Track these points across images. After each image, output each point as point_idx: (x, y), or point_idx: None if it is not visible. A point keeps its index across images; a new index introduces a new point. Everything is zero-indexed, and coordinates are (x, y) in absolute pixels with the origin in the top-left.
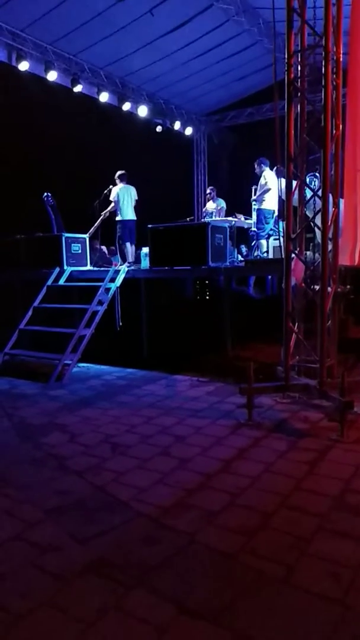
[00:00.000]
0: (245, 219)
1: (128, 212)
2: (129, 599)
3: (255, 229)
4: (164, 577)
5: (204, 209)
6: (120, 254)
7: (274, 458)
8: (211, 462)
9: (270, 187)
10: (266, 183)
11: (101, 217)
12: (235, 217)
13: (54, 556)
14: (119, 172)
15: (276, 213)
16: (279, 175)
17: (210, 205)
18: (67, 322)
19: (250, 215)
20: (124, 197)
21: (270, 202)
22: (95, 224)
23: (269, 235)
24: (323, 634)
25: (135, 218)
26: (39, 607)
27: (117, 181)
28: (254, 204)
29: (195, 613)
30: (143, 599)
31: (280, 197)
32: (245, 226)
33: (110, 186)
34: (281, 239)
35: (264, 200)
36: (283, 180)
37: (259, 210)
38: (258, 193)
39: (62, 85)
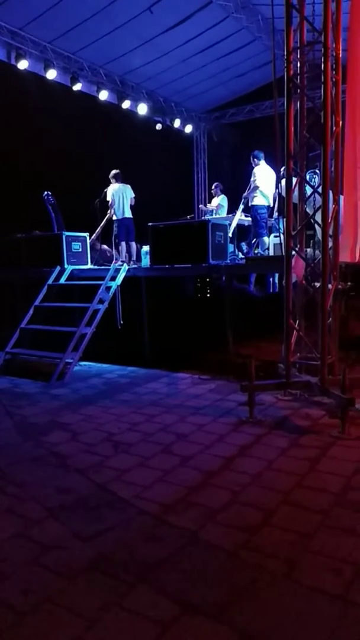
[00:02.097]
0: (246, 216)
1: (124, 211)
2: (131, 596)
3: (229, 235)
4: (166, 575)
5: (203, 206)
6: (117, 253)
7: (276, 455)
8: (213, 460)
9: (259, 184)
10: (255, 180)
11: (105, 218)
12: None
13: (56, 554)
14: (113, 172)
15: (271, 209)
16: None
17: (214, 202)
18: (68, 321)
19: (245, 210)
20: (119, 197)
21: (261, 198)
22: (100, 225)
23: (269, 231)
24: (325, 630)
25: (131, 216)
26: (42, 604)
27: (112, 181)
28: (243, 201)
29: (197, 610)
30: (145, 596)
31: (280, 194)
32: (246, 224)
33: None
34: (281, 236)
35: (255, 196)
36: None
37: (252, 207)
38: (248, 191)
39: (62, 83)
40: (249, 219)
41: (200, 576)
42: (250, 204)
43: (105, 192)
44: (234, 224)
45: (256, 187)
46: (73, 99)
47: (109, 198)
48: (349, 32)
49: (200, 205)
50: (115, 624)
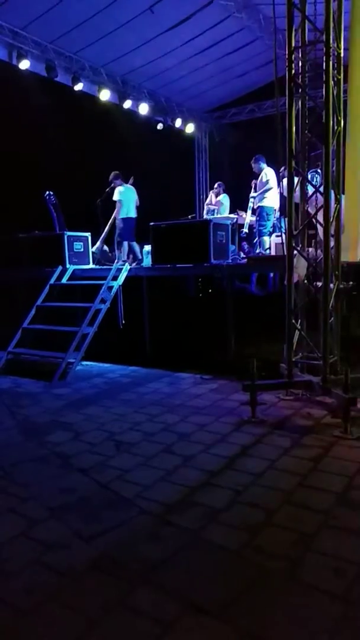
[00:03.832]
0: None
1: (129, 211)
2: (133, 596)
3: (246, 230)
4: (168, 574)
5: (206, 204)
6: (119, 252)
7: (278, 455)
8: (215, 460)
9: (272, 185)
10: (267, 181)
11: (110, 221)
12: (238, 214)
13: (59, 553)
14: (114, 173)
15: (277, 211)
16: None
17: (214, 201)
18: (70, 321)
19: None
20: (126, 197)
21: (271, 200)
22: (109, 224)
23: (271, 232)
24: (327, 630)
25: (136, 216)
26: (45, 604)
27: (116, 182)
28: (252, 201)
29: (199, 609)
30: (147, 595)
31: (282, 193)
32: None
33: (112, 185)
34: (283, 235)
35: (265, 197)
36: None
37: (260, 208)
38: (259, 191)
39: (63, 83)
40: (253, 218)
41: (202, 576)
42: (258, 205)
43: (108, 193)
44: (247, 222)
45: (269, 189)
46: (74, 99)
47: (116, 198)
48: (350, 31)
49: (213, 190)
50: (117, 624)
